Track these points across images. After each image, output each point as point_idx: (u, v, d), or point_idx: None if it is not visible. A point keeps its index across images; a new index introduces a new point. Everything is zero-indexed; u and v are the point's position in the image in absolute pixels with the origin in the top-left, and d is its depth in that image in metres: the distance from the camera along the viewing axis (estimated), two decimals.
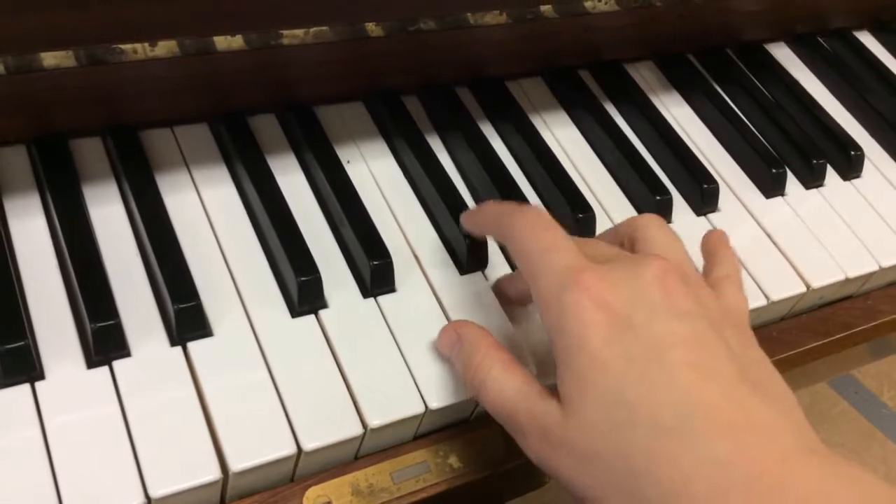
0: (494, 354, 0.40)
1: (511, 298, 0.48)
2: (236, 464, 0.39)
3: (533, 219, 0.41)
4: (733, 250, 0.45)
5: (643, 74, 0.67)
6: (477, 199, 0.55)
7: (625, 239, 0.44)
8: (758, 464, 0.32)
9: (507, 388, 0.39)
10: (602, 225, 0.55)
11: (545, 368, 0.46)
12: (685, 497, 0.32)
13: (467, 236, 0.49)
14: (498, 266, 0.51)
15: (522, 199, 0.54)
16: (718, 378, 0.34)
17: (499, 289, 0.49)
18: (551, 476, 0.38)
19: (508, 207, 0.45)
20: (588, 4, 0.60)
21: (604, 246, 0.42)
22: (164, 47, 0.47)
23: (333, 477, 0.42)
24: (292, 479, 0.42)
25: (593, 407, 0.35)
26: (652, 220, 0.43)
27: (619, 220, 0.56)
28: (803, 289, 0.55)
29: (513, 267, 0.51)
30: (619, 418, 0.34)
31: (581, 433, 0.35)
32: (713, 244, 0.45)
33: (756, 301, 0.53)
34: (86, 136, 0.50)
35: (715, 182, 0.59)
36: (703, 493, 0.32)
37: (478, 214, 0.48)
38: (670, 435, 0.33)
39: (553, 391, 0.38)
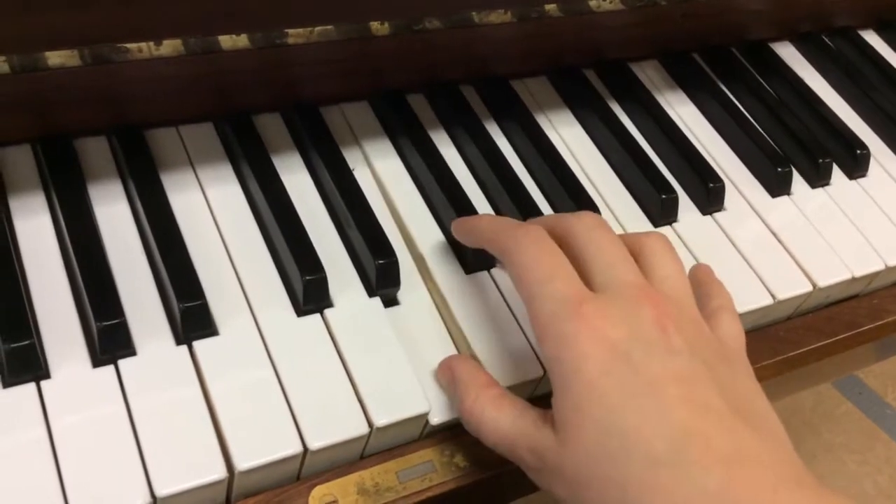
0: (485, 394, 0.41)
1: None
2: (242, 463, 0.39)
3: (534, 242, 0.41)
4: (720, 282, 0.46)
5: (648, 73, 0.67)
6: (485, 197, 0.55)
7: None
8: (748, 494, 0.33)
9: (502, 425, 0.40)
10: None
11: None
12: None
13: None
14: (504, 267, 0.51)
15: (528, 198, 0.54)
16: (710, 411, 0.35)
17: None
18: (555, 500, 0.39)
19: (508, 225, 0.44)
20: (593, 3, 0.60)
21: (613, 252, 0.41)
22: (170, 46, 0.47)
23: (339, 476, 0.42)
24: (298, 478, 0.42)
25: (588, 434, 0.36)
26: (658, 245, 0.43)
27: (624, 218, 0.56)
28: (809, 288, 0.55)
29: None
30: (613, 447, 0.35)
31: (575, 460, 0.36)
32: (701, 277, 0.46)
33: (762, 300, 0.53)
34: (91, 136, 0.50)
35: (721, 181, 0.59)
36: None
37: (473, 227, 0.47)
38: (663, 466, 0.34)
39: (548, 417, 0.38)
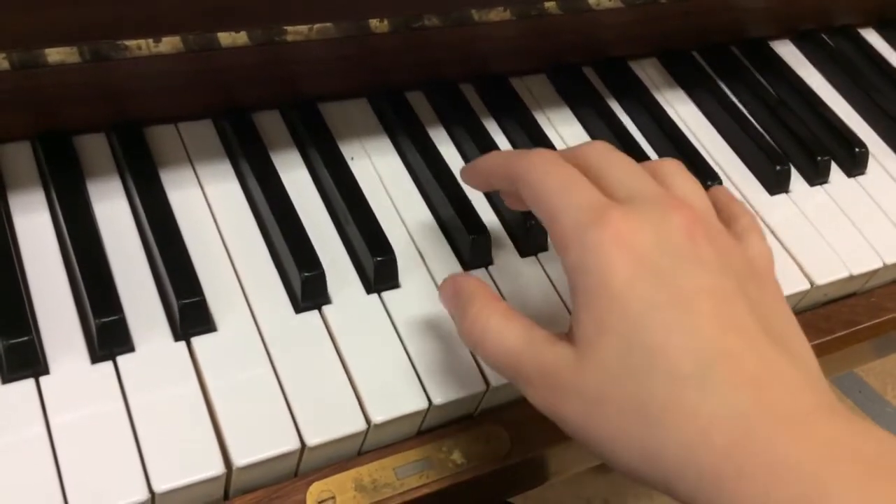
0: (492, 304, 0.39)
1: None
2: (240, 459, 0.39)
3: (546, 157, 0.39)
4: (742, 202, 0.44)
5: (647, 71, 0.67)
6: (485, 195, 0.55)
7: None
8: (780, 417, 0.31)
9: (508, 336, 0.37)
10: None
11: None
12: (702, 447, 0.31)
13: (472, 233, 0.49)
14: (502, 264, 0.51)
15: None
16: (741, 330, 0.34)
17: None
18: (559, 425, 0.36)
19: (516, 151, 0.43)
20: (592, 1, 0.60)
21: (631, 169, 0.39)
22: (169, 43, 0.47)
23: (337, 472, 0.42)
24: (296, 475, 0.43)
25: (610, 349, 0.34)
26: (675, 166, 0.41)
27: None
28: (807, 286, 0.55)
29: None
30: (636, 363, 0.33)
31: (595, 376, 0.34)
32: (722, 198, 0.43)
33: None
34: (90, 132, 0.50)
35: (718, 179, 0.59)
36: (722, 444, 0.31)
37: (481, 165, 0.45)
38: (689, 384, 0.32)
39: (560, 336, 0.36)
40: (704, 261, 0.35)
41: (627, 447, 0.33)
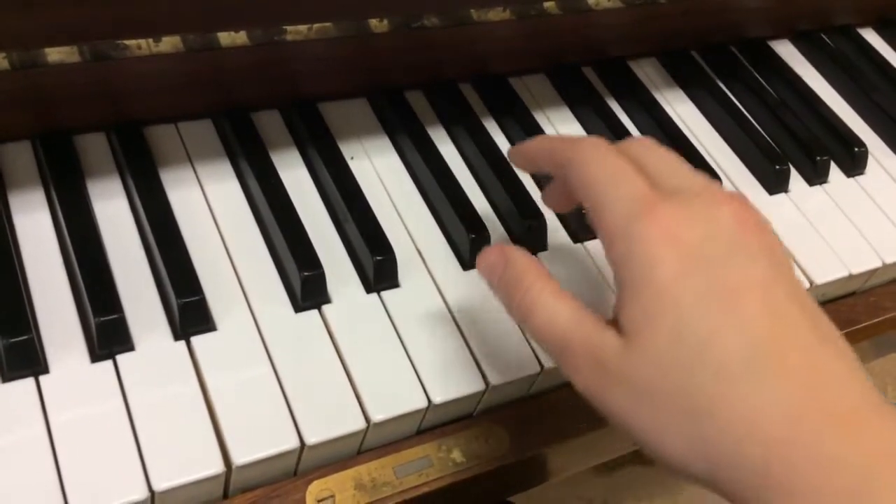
0: (544, 281, 0.38)
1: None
2: (239, 458, 0.39)
3: (596, 145, 0.39)
4: None
5: (647, 71, 0.67)
6: (484, 195, 0.55)
7: None
8: (830, 411, 0.31)
9: (561, 314, 0.37)
10: None
11: (551, 360, 0.46)
12: (748, 441, 0.31)
13: (471, 232, 0.50)
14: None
15: (526, 196, 0.54)
16: (791, 326, 0.33)
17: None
18: (601, 411, 0.36)
19: (566, 137, 0.42)
20: (591, 1, 0.60)
21: (675, 163, 0.39)
22: (169, 43, 0.47)
23: (336, 471, 0.43)
24: (295, 473, 0.43)
25: (658, 341, 0.33)
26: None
27: None
28: (807, 285, 0.55)
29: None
30: (684, 355, 0.33)
31: (642, 367, 0.34)
32: None
33: None
34: (90, 132, 0.50)
35: (718, 179, 0.59)
36: (771, 437, 0.31)
37: (530, 147, 0.45)
38: (738, 377, 0.32)
39: (611, 322, 0.36)
40: (753, 253, 0.35)
41: (673, 439, 0.33)
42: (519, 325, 0.39)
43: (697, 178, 0.38)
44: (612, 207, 0.36)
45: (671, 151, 0.40)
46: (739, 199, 0.37)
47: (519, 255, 0.40)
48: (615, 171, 0.37)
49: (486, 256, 0.41)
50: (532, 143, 0.45)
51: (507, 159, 0.47)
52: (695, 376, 0.33)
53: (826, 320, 0.36)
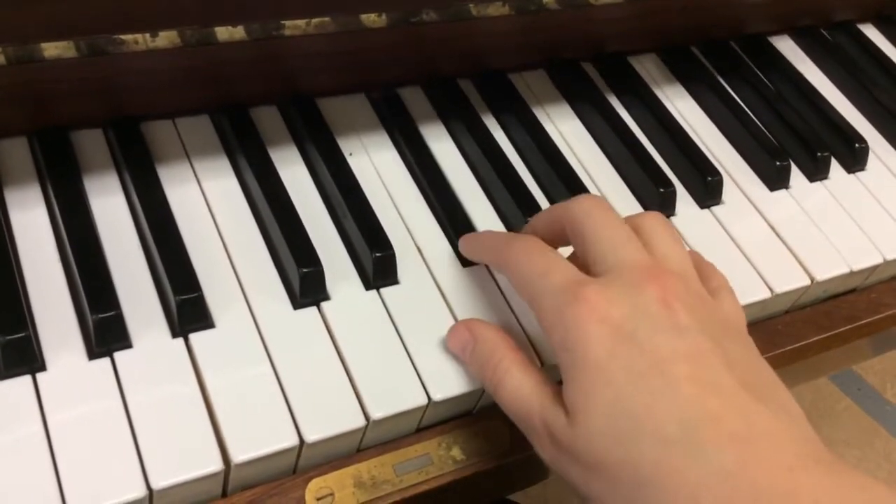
0: (513, 355, 0.41)
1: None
2: (238, 455, 0.39)
3: (526, 245, 0.42)
4: (713, 264, 0.45)
5: (647, 67, 0.67)
6: (483, 191, 0.55)
7: None
8: (764, 473, 0.32)
9: (524, 388, 0.40)
10: None
11: (547, 357, 0.46)
12: None
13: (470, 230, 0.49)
14: None
15: (525, 192, 0.54)
16: (720, 389, 0.35)
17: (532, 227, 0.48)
18: (563, 479, 0.38)
19: (503, 237, 0.45)
20: None
21: (618, 228, 0.41)
22: (166, 38, 0.46)
23: (336, 469, 0.42)
24: (294, 471, 0.42)
25: (598, 418, 0.35)
26: (656, 223, 0.43)
27: (622, 212, 0.56)
28: (807, 281, 0.55)
29: None
30: (623, 429, 0.35)
31: (586, 443, 0.36)
32: (694, 262, 0.44)
33: (760, 294, 0.53)
34: (87, 128, 0.50)
35: (719, 174, 0.59)
36: None
37: (475, 243, 0.48)
38: (675, 446, 0.33)
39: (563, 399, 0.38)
40: (680, 326, 0.37)
41: None
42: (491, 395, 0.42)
43: (630, 254, 0.40)
44: (543, 299, 0.39)
45: (609, 219, 0.41)
46: (667, 272, 0.39)
47: (486, 331, 0.43)
48: (544, 266, 0.40)
49: (456, 334, 0.44)
50: (477, 241, 0.48)
51: (459, 249, 0.49)
52: (636, 448, 0.34)
53: (764, 374, 0.38)
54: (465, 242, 0.49)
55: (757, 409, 0.34)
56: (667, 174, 0.58)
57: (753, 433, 0.34)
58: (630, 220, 0.43)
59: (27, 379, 0.40)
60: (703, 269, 0.44)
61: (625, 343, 0.36)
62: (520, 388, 0.40)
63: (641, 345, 0.36)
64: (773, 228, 0.58)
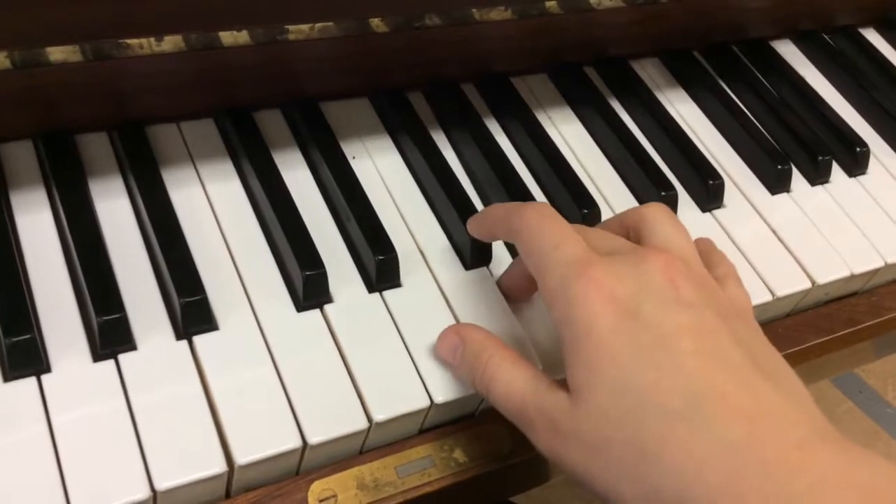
0: (502, 352, 0.41)
1: (513, 294, 0.48)
2: (242, 457, 0.39)
3: (539, 214, 0.41)
4: (722, 252, 0.46)
5: (648, 71, 0.67)
6: (482, 195, 0.55)
7: (630, 230, 0.44)
8: (772, 449, 0.32)
9: (516, 383, 0.39)
10: None
11: (550, 361, 0.46)
12: (698, 485, 0.32)
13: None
14: (502, 261, 0.51)
15: (527, 195, 0.54)
16: (727, 365, 0.35)
17: (502, 287, 0.49)
18: (562, 470, 0.38)
19: (513, 206, 0.45)
20: (593, 1, 0.60)
21: (609, 236, 0.42)
22: (171, 42, 0.47)
23: (338, 471, 0.42)
24: (297, 473, 0.43)
25: (602, 394, 0.35)
26: (658, 212, 0.43)
27: None
28: (808, 285, 0.55)
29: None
30: (628, 405, 0.34)
31: (591, 422, 0.35)
32: (703, 248, 0.45)
33: (761, 297, 0.53)
34: (92, 131, 0.50)
35: (720, 178, 0.59)
36: (717, 479, 0.32)
37: (484, 218, 0.48)
38: (680, 420, 0.33)
39: (561, 384, 0.38)
40: (685, 300, 0.37)
41: (628, 486, 0.34)
42: (483, 396, 0.42)
43: (626, 243, 0.41)
44: (551, 271, 0.39)
45: (603, 228, 0.43)
46: (667, 251, 0.39)
47: (473, 333, 0.43)
48: (556, 238, 0.40)
49: (444, 340, 0.44)
50: (486, 215, 0.47)
51: (468, 231, 0.49)
52: (641, 424, 0.34)
53: (771, 355, 0.38)
54: (472, 222, 0.48)
55: (764, 387, 0.34)
56: (668, 177, 0.58)
57: (760, 409, 0.33)
58: (634, 210, 0.44)
59: (32, 380, 0.40)
60: (711, 256, 0.44)
61: (629, 320, 0.36)
62: (512, 382, 0.39)
63: (646, 321, 0.36)
64: (774, 232, 0.58)
